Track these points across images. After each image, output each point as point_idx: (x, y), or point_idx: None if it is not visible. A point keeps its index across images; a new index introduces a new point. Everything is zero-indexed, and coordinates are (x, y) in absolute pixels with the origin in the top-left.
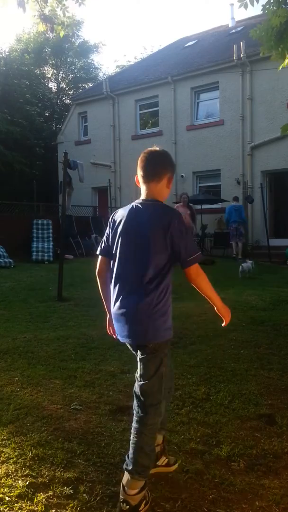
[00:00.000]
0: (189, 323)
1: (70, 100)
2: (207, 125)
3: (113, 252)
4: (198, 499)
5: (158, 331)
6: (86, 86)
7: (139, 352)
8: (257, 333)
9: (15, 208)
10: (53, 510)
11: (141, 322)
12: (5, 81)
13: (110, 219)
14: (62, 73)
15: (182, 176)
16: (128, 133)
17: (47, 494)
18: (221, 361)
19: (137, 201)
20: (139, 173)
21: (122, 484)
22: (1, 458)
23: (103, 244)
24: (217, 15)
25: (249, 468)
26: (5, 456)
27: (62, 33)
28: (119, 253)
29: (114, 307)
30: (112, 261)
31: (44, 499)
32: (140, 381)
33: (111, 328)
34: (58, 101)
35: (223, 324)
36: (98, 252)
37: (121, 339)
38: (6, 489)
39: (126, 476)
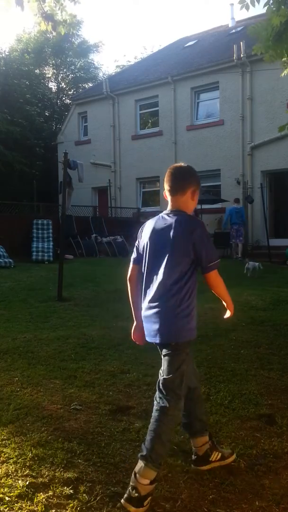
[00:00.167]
0: None
1: (70, 100)
2: (207, 125)
3: (143, 259)
4: (198, 499)
5: (180, 332)
6: (86, 86)
7: (163, 350)
8: (257, 333)
9: (15, 208)
10: (53, 510)
11: (165, 323)
12: (5, 81)
13: (140, 229)
14: (62, 73)
15: None
16: (128, 133)
17: (47, 494)
18: (221, 361)
19: (164, 212)
20: (166, 187)
21: (134, 471)
22: (1, 458)
23: (134, 253)
24: (217, 15)
25: (249, 468)
26: (5, 456)
27: (63, 31)
28: (147, 260)
29: (143, 310)
30: (142, 268)
31: (44, 499)
32: (163, 375)
33: (135, 335)
34: (58, 101)
35: (225, 316)
36: (131, 261)
37: (147, 339)
38: (6, 489)
39: (139, 464)
